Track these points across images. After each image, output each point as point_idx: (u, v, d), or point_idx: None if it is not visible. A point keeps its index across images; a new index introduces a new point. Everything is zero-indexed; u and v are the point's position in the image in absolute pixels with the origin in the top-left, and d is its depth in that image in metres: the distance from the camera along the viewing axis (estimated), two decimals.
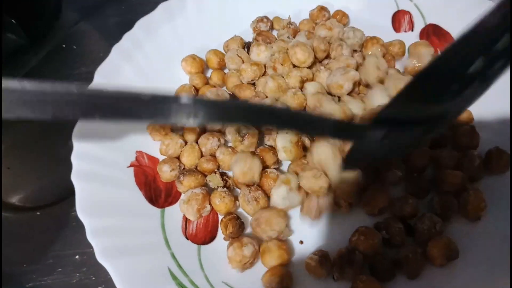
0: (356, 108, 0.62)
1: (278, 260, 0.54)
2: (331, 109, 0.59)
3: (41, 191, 0.74)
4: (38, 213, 0.71)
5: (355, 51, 0.74)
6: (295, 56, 0.66)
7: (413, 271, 0.53)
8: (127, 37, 0.75)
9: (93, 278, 0.63)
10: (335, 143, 0.57)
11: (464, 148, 0.63)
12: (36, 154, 0.79)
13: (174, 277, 0.53)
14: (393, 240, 0.55)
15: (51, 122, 0.80)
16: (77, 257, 0.65)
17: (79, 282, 0.63)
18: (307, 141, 0.60)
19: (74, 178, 0.59)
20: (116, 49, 0.74)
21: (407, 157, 0.61)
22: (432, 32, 0.78)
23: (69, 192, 0.71)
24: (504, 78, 0.63)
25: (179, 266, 0.54)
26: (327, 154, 0.57)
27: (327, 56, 0.73)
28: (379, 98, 0.60)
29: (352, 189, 0.56)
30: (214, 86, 0.74)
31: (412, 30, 0.80)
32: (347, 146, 0.56)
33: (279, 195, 0.57)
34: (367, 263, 0.55)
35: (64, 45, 0.98)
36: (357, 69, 0.70)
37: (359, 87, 0.69)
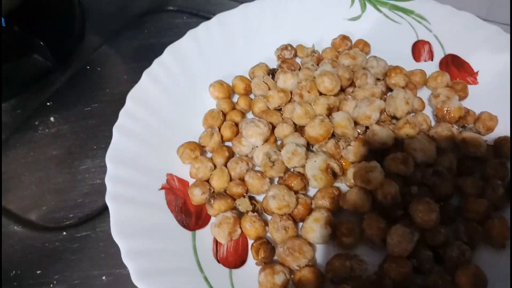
0: (386, 137, 0.64)
1: (316, 285, 0.55)
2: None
3: (62, 209, 0.75)
4: (65, 233, 0.72)
5: (378, 79, 0.76)
6: (322, 85, 0.68)
7: None
8: (157, 62, 0.77)
9: None
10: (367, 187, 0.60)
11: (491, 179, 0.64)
12: (56, 171, 0.80)
13: None
14: (422, 267, 0.56)
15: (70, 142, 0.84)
16: (103, 277, 0.66)
17: None
18: (336, 166, 0.61)
19: (108, 200, 0.61)
20: (147, 74, 0.76)
21: (433, 185, 0.62)
22: (451, 62, 0.80)
23: (92, 212, 0.73)
24: None
25: None
26: (361, 198, 0.59)
27: (351, 85, 0.75)
28: None
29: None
30: (241, 111, 0.75)
31: (432, 60, 0.82)
32: (380, 190, 0.59)
33: (323, 236, 0.58)
34: None
35: (88, 67, 1.01)
36: (381, 97, 0.72)
37: (384, 116, 0.71)
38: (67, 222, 0.74)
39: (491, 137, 0.70)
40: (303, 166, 0.63)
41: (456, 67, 0.80)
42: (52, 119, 0.90)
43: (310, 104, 0.69)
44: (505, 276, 0.57)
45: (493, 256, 0.59)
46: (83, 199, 0.76)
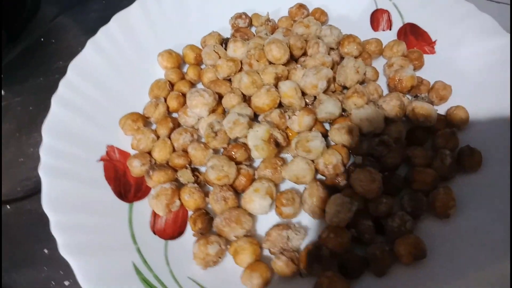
0: (332, 106, 0.62)
1: (253, 256, 0.54)
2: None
3: (10, 184, 0.73)
4: (8, 207, 0.70)
5: (332, 49, 0.73)
6: (270, 53, 0.65)
7: (380, 269, 0.53)
8: (102, 31, 0.74)
9: (61, 272, 0.62)
10: (308, 157, 0.58)
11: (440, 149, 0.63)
12: (4, 147, 0.78)
13: (138, 272, 0.52)
14: (362, 238, 0.55)
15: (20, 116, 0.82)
16: (45, 251, 0.65)
17: (47, 277, 0.63)
18: (280, 137, 0.59)
19: (41, 172, 0.58)
20: (91, 43, 0.73)
21: (379, 155, 0.61)
22: (409, 31, 0.78)
23: (39, 186, 0.71)
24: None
25: (144, 261, 0.54)
26: (303, 167, 0.57)
27: (304, 54, 0.72)
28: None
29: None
30: (190, 82, 0.73)
31: (390, 29, 0.80)
32: (321, 160, 0.58)
33: (263, 206, 0.56)
34: (336, 260, 0.54)
35: (42, 39, 0.97)
36: (333, 67, 0.70)
37: (334, 85, 0.68)
38: (13, 197, 0.72)
39: (444, 108, 0.68)
40: (247, 137, 0.61)
41: (414, 36, 0.78)
42: (2, 92, 0.87)
43: (259, 73, 0.66)
44: (447, 247, 0.56)
45: (437, 227, 0.58)
46: (30, 174, 0.74)
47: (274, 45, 0.65)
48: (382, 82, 0.73)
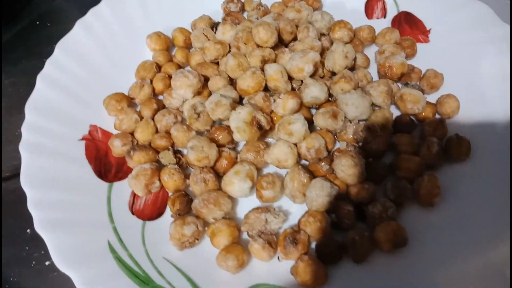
0: (318, 91, 0.61)
1: (230, 238, 0.53)
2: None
3: None
4: None
5: (323, 34, 0.72)
6: (258, 35, 0.64)
7: (359, 255, 0.51)
8: (92, 12, 0.74)
9: (42, 252, 0.62)
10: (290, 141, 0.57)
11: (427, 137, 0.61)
12: None
13: (112, 251, 0.52)
14: (342, 223, 0.54)
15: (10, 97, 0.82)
16: (28, 230, 0.64)
17: (28, 256, 0.62)
18: (263, 119, 0.58)
19: (22, 148, 0.58)
20: (80, 23, 0.72)
21: (363, 141, 0.59)
22: (404, 20, 0.77)
23: None
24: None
25: (120, 240, 0.53)
26: (285, 151, 0.56)
27: (295, 39, 0.71)
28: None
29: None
30: (178, 64, 0.72)
31: (385, 17, 0.78)
32: (303, 143, 0.57)
33: (242, 189, 0.55)
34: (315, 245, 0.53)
35: (38, 22, 0.97)
36: (323, 53, 0.69)
37: (323, 70, 0.67)
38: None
39: (436, 96, 0.67)
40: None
41: (408, 25, 0.76)
42: None
43: (246, 56, 0.65)
44: (429, 236, 0.54)
45: (421, 215, 0.57)
46: (17, 154, 0.74)
47: (261, 27, 0.63)
48: (373, 70, 0.71)
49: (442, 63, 0.70)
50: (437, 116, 0.65)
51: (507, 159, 0.58)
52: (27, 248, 0.63)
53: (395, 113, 0.65)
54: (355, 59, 0.68)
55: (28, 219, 0.61)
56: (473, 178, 0.58)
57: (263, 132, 0.60)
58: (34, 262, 0.62)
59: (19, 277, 0.61)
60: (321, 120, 0.59)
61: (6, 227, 0.65)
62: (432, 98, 0.67)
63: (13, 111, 0.81)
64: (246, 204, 0.58)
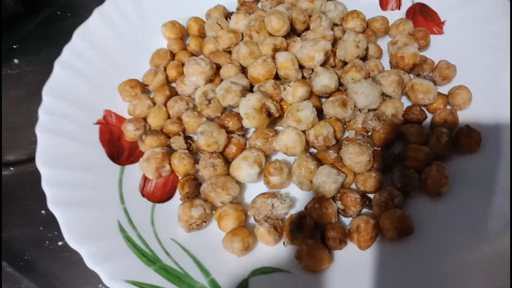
0: (328, 79, 0.61)
1: (236, 222, 0.54)
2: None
3: (17, 148, 0.75)
4: (12, 168, 0.72)
5: (336, 25, 0.72)
6: (270, 24, 0.64)
7: (363, 242, 0.52)
8: (110, 1, 0.75)
9: (56, 233, 0.64)
10: (299, 128, 0.58)
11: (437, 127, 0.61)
12: (14, 114, 0.80)
13: (122, 230, 0.53)
14: (348, 210, 0.54)
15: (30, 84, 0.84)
16: (43, 212, 0.66)
17: (42, 236, 0.64)
18: (272, 107, 0.59)
19: (38, 130, 0.60)
20: (98, 12, 0.74)
21: (372, 130, 0.60)
22: (418, 11, 0.76)
23: None
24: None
25: (130, 220, 0.55)
26: (293, 138, 0.57)
27: (307, 29, 0.71)
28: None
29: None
30: (192, 53, 0.73)
31: (399, 9, 0.78)
32: (312, 131, 0.57)
33: (250, 174, 0.56)
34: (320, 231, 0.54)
35: (59, 12, 0.99)
36: (336, 42, 0.69)
37: (335, 60, 0.67)
38: (18, 159, 0.74)
39: (449, 88, 0.66)
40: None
41: (423, 17, 0.76)
42: (16, 61, 0.90)
43: (257, 44, 0.66)
44: (435, 226, 0.54)
45: (428, 205, 0.57)
46: (35, 138, 0.76)
47: (274, 16, 0.64)
48: (386, 61, 0.71)
49: (456, 55, 0.69)
50: (449, 107, 0.65)
51: None
52: (41, 228, 0.65)
53: (407, 103, 0.65)
54: (367, 49, 0.68)
55: (43, 201, 0.63)
56: (482, 170, 0.58)
57: (272, 119, 0.60)
58: (47, 242, 0.64)
59: (33, 256, 0.63)
60: (330, 108, 0.59)
61: (22, 209, 0.68)
62: (445, 89, 0.66)
63: (33, 97, 0.83)
64: (254, 190, 0.59)
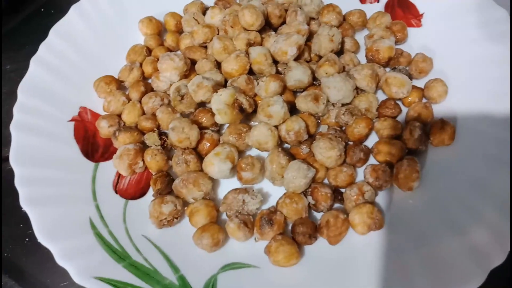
0: (301, 74, 0.61)
1: (208, 218, 0.54)
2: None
3: None
4: None
5: (312, 18, 0.72)
6: (243, 18, 0.64)
7: (333, 237, 0.52)
8: None
9: None
10: (270, 123, 0.57)
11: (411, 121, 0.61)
12: None
13: (93, 227, 0.53)
14: (319, 205, 0.54)
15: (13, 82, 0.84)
16: (23, 209, 0.66)
17: (22, 233, 0.64)
18: (245, 102, 0.58)
19: (12, 128, 0.60)
20: (74, 8, 0.74)
21: (345, 124, 0.59)
22: (397, 4, 0.76)
23: None
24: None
25: (101, 217, 0.55)
26: (264, 133, 0.57)
27: (284, 23, 0.71)
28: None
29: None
30: (168, 48, 0.73)
31: (378, 1, 0.77)
32: (283, 126, 0.57)
33: (222, 170, 0.56)
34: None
35: (42, 9, 0.99)
36: (312, 37, 0.68)
37: (310, 55, 0.67)
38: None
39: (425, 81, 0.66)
40: None
41: (401, 9, 0.75)
42: None
43: (232, 39, 0.66)
44: (407, 220, 0.54)
45: (400, 199, 0.57)
46: None
47: (247, 10, 0.64)
48: (363, 55, 0.71)
49: (434, 48, 0.69)
50: (425, 101, 0.65)
51: (492, 146, 0.57)
52: (21, 225, 0.65)
53: (383, 98, 0.65)
54: (343, 43, 0.68)
55: None
56: (455, 164, 0.58)
57: (245, 114, 0.60)
58: (27, 239, 0.64)
59: (12, 253, 0.63)
60: (303, 103, 0.59)
61: (2, 206, 0.68)
62: (422, 83, 0.66)
63: (15, 96, 0.83)
64: (228, 186, 0.59)
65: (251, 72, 0.64)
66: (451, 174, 0.57)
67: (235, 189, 0.55)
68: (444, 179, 0.57)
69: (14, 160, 0.57)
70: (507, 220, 0.49)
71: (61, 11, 1.00)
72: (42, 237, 0.51)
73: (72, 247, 0.50)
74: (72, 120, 0.64)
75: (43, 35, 0.94)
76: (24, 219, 0.65)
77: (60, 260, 0.49)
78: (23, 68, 0.87)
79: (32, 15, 0.98)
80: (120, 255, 0.51)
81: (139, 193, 0.59)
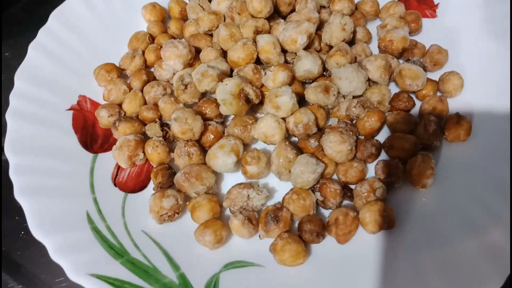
0: (311, 63, 0.58)
1: (210, 213, 0.52)
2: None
3: None
4: None
5: (323, 7, 0.69)
6: (251, 5, 0.61)
7: (342, 235, 0.49)
8: None
9: None
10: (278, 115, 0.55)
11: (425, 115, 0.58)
12: None
13: (90, 221, 0.51)
14: (327, 201, 0.52)
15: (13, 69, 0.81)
16: None
17: (17, 226, 0.62)
18: (252, 92, 0.56)
19: (8, 116, 0.58)
20: None
21: (356, 117, 0.57)
22: None
23: None
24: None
25: (99, 210, 0.52)
26: (271, 125, 0.54)
27: (293, 11, 0.68)
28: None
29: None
30: (172, 36, 0.70)
31: None
32: (291, 118, 0.54)
33: (226, 164, 0.53)
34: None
35: None
36: (322, 26, 0.65)
37: (320, 44, 0.64)
38: None
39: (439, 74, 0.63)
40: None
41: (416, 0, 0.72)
42: None
43: (239, 27, 0.63)
44: (419, 220, 0.51)
45: (413, 197, 0.54)
46: None
47: None
48: (376, 45, 0.67)
49: (449, 40, 0.66)
50: (439, 94, 0.62)
51: (508, 140, 0.54)
52: (17, 218, 0.63)
53: (395, 90, 0.62)
54: (355, 33, 0.65)
55: None
56: (471, 161, 0.55)
57: (251, 105, 0.57)
58: (23, 232, 0.62)
59: (7, 246, 0.61)
60: (312, 94, 0.56)
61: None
62: (436, 76, 0.63)
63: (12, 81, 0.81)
64: (232, 180, 0.56)
65: (258, 61, 0.62)
66: (467, 171, 0.54)
67: (240, 184, 0.53)
68: (460, 177, 0.54)
69: (9, 148, 0.55)
70: None
71: None
72: (36, 231, 0.48)
73: (68, 242, 0.48)
74: (70, 109, 0.61)
75: (44, 21, 0.92)
76: (20, 211, 0.64)
77: (54, 256, 0.47)
78: (23, 55, 0.85)
79: (33, 1, 0.96)
80: (117, 251, 0.49)
81: (139, 186, 0.57)
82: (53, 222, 0.49)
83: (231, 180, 0.57)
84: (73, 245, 0.48)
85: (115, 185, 0.56)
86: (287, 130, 0.55)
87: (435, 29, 0.68)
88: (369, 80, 0.59)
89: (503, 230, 0.48)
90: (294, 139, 0.59)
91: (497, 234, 0.48)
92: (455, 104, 0.60)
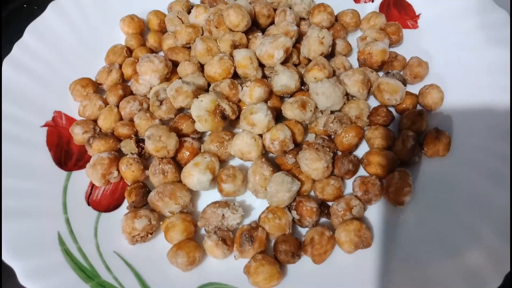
0: (288, 78, 0.57)
1: (184, 233, 0.50)
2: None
3: None
4: None
5: (303, 19, 0.68)
6: (228, 19, 0.60)
7: (318, 255, 0.48)
8: None
9: None
10: (254, 132, 0.54)
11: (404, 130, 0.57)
12: None
13: (62, 243, 0.50)
14: (303, 220, 0.51)
15: None
16: None
17: None
18: (228, 108, 0.55)
19: None
20: (52, 6, 0.70)
21: (334, 133, 0.56)
22: (393, 4, 0.72)
23: None
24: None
25: (71, 231, 0.51)
26: (248, 142, 0.53)
27: (273, 23, 0.67)
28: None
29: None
30: (151, 49, 0.69)
31: (373, 1, 0.73)
32: (268, 135, 0.53)
33: (201, 182, 0.52)
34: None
35: (25, 5, 0.95)
36: (302, 39, 0.65)
37: (299, 57, 0.63)
38: None
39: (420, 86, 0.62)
40: None
41: (397, 9, 0.71)
42: None
43: (216, 41, 0.62)
44: (397, 238, 0.51)
45: (391, 214, 0.53)
46: None
47: (232, 10, 0.60)
48: (356, 57, 0.67)
49: (431, 51, 0.66)
50: (419, 108, 0.61)
51: (490, 159, 0.53)
52: None
53: (374, 103, 0.61)
54: (334, 45, 0.64)
55: None
56: (450, 177, 0.54)
57: (229, 121, 0.56)
58: None
59: None
60: (289, 110, 0.55)
61: None
62: (417, 89, 0.62)
63: None
64: (210, 198, 0.55)
65: (236, 76, 0.61)
66: (446, 188, 0.54)
67: (215, 203, 0.52)
68: (439, 194, 0.54)
69: None
70: (506, 241, 0.46)
71: (43, 8, 0.97)
72: (5, 255, 0.47)
73: (38, 265, 0.47)
74: (45, 125, 0.60)
75: (21, 35, 0.91)
76: None
77: (23, 280, 0.46)
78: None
79: (14, 12, 0.94)
80: (88, 274, 0.48)
81: (113, 205, 0.56)
82: (22, 245, 0.48)
83: (208, 197, 0.56)
84: (43, 269, 0.47)
85: (88, 204, 0.55)
86: (263, 146, 0.55)
87: (416, 40, 0.68)
88: (347, 94, 0.58)
89: (481, 251, 0.47)
90: (272, 155, 0.58)
91: (474, 255, 0.47)
92: (434, 118, 0.60)
